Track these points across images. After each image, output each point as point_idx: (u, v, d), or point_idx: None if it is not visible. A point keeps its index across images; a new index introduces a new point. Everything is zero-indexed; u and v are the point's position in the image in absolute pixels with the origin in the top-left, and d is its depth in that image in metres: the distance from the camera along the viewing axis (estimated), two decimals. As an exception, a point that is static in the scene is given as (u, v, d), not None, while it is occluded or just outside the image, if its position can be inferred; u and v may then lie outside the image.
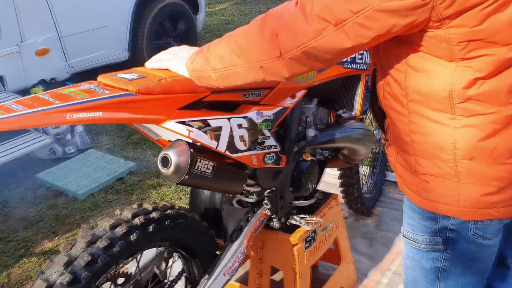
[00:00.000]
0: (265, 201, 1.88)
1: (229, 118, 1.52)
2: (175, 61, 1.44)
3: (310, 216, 2.00)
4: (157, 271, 1.84)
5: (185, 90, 1.40)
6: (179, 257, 1.76)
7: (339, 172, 2.76)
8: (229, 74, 1.31)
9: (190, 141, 1.40)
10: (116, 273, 1.68)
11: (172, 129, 1.33)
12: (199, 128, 1.38)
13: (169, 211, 1.53)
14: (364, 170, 3.11)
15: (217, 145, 1.43)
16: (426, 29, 1.07)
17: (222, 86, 1.39)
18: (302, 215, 2.01)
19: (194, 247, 1.69)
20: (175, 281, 1.88)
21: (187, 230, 1.60)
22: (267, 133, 1.71)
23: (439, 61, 1.10)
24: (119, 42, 4.98)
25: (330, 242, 2.28)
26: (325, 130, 2.08)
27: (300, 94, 1.89)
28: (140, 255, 1.70)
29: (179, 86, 1.39)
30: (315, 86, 1.94)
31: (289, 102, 1.84)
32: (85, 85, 1.30)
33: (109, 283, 1.68)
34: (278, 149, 1.79)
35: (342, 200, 2.90)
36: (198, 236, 1.66)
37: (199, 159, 1.39)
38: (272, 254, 2.10)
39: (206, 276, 1.67)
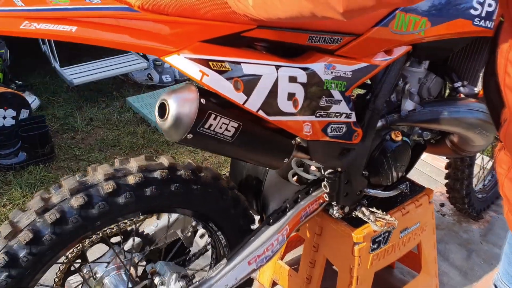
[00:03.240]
0: (324, 182, 1.45)
1: (278, 66, 1.09)
2: (213, -26, 1.04)
3: (384, 213, 1.53)
4: (181, 236, 1.54)
5: (218, 16, 1.00)
6: (203, 227, 1.43)
7: (447, 160, 2.19)
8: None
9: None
10: (127, 229, 1.41)
11: (178, 67, 0.95)
12: (222, 72, 0.98)
13: (181, 172, 1.18)
14: (484, 161, 2.47)
15: (246, 101, 1.02)
16: None
17: (263, 17, 0.97)
18: (373, 209, 1.54)
19: (218, 221, 1.34)
20: (201, 252, 1.57)
21: (204, 199, 1.24)
22: (337, 95, 1.26)
23: None
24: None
25: (410, 247, 1.79)
26: (428, 105, 1.55)
27: (400, 50, 1.38)
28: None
29: (209, 10, 0.99)
30: (427, 44, 1.41)
31: (381, 59, 1.34)
32: (77, -10, 0.96)
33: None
34: (351, 119, 1.33)
35: (446, 195, 2.34)
36: (223, 209, 1.30)
37: (213, 115, 1.00)
38: (329, 246, 1.69)
39: (224, 261, 1.32)
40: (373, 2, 0.71)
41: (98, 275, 1.31)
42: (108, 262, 1.33)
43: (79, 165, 2.82)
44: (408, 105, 1.53)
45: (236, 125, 1.04)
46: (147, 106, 3.37)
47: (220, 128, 1.02)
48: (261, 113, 1.06)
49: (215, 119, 1.00)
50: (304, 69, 1.16)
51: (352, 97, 1.46)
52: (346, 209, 1.54)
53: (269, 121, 1.09)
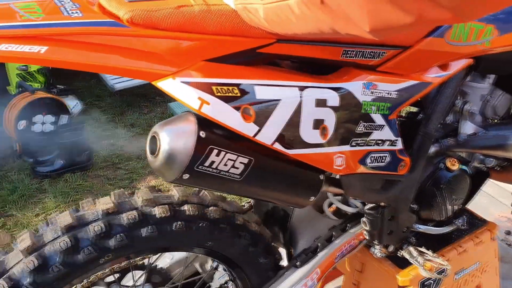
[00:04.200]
0: (364, 219, 1.24)
1: (302, 87, 0.90)
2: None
3: (435, 254, 1.29)
4: (200, 270, 1.38)
5: (227, 29, 0.83)
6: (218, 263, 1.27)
7: (515, 184, 1.90)
8: (279, 10, 0.69)
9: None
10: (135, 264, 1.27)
11: (172, 94, 0.78)
12: (227, 98, 0.80)
13: (187, 208, 1.02)
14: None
15: (257, 132, 0.84)
16: None
17: (278, 32, 0.78)
18: (423, 249, 1.31)
19: (234, 259, 1.16)
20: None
21: (214, 236, 1.07)
22: (379, 119, 1.05)
23: None
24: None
25: (466, 289, 1.54)
26: (493, 128, 1.30)
27: (458, 64, 1.15)
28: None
29: (216, 22, 0.82)
30: (494, 56, 1.17)
31: (434, 75, 1.12)
32: (60, 1, 0.81)
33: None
34: (397, 146, 1.11)
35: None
36: (238, 246, 1.12)
37: (216, 151, 0.82)
38: (371, 286, 1.47)
39: (243, 309, 1.14)
40: (411, 19, 0.51)
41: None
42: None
43: (116, 174, 2.75)
44: (468, 128, 1.28)
45: (245, 161, 0.86)
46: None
47: (225, 165, 0.84)
48: (277, 146, 0.87)
49: (218, 155, 0.82)
50: (336, 89, 0.96)
51: (400, 118, 1.25)
52: (390, 248, 1.32)
53: (288, 155, 0.90)
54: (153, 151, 0.82)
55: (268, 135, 0.85)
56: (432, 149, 1.27)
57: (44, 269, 0.92)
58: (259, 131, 0.84)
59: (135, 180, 2.69)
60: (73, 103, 3.20)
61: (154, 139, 0.82)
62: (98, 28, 0.75)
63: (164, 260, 1.35)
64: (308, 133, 0.91)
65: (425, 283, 1.37)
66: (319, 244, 1.22)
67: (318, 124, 0.93)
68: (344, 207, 1.33)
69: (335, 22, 0.60)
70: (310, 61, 0.94)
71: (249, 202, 1.40)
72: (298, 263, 1.19)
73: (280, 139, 0.87)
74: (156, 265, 1.31)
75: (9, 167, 2.74)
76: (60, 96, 3.04)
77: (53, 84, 3.28)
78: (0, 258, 0.95)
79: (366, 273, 1.47)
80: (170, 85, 0.78)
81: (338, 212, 1.41)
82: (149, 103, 3.49)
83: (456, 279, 1.45)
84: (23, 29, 0.71)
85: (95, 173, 2.75)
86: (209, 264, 1.36)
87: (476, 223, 1.51)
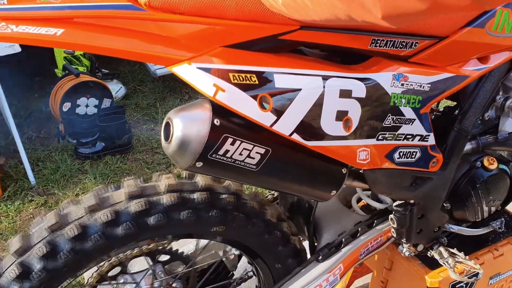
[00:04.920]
0: (391, 216, 1.19)
1: (326, 77, 0.87)
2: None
3: (467, 256, 1.23)
4: (223, 258, 1.38)
5: (247, 15, 0.80)
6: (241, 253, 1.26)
7: None
8: None
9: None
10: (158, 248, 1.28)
11: (187, 79, 0.76)
12: (245, 86, 0.78)
13: (197, 195, 1.02)
14: None
15: (275, 122, 0.81)
16: None
17: (297, 18, 0.75)
18: (454, 251, 1.25)
19: (256, 249, 1.15)
20: (245, 277, 1.40)
21: (230, 226, 1.06)
22: (409, 113, 1.00)
23: None
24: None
25: (502, 295, 1.46)
26: (537, 126, 1.22)
27: (500, 57, 1.09)
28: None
29: (236, 7, 0.79)
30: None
31: (472, 68, 1.06)
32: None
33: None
34: (428, 142, 1.06)
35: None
36: (257, 237, 1.11)
37: (231, 139, 0.80)
38: (399, 285, 1.42)
39: (261, 300, 1.13)
40: (425, 6, 0.47)
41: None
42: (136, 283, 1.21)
43: (154, 158, 2.79)
44: (509, 125, 1.21)
45: (262, 151, 0.84)
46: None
47: (240, 154, 0.82)
48: (296, 137, 0.84)
49: (233, 143, 0.80)
50: (363, 80, 0.92)
51: (436, 112, 1.19)
52: (420, 247, 1.27)
53: (307, 146, 0.87)
54: (167, 137, 0.81)
55: (286, 126, 0.82)
56: (468, 146, 1.21)
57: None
58: (276, 120, 0.81)
59: (172, 165, 2.72)
60: (117, 87, 3.27)
61: (168, 125, 0.81)
62: (115, 11, 0.74)
63: (188, 246, 1.35)
64: (330, 124, 0.88)
65: (457, 286, 1.31)
66: (343, 239, 1.19)
67: (342, 115, 0.89)
68: (373, 203, 1.29)
69: (350, 8, 0.57)
70: (337, 49, 0.90)
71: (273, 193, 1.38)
72: (320, 258, 1.16)
73: (299, 130, 0.84)
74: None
75: (54, 147, 2.84)
76: (104, 80, 3.12)
77: (98, 68, 3.36)
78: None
79: (395, 271, 1.42)
80: (185, 71, 0.76)
81: (367, 208, 1.37)
82: (190, 90, 3.52)
83: (491, 283, 1.38)
84: (40, 11, 0.71)
85: (134, 156, 2.80)
86: (232, 251, 1.36)
87: (515, 226, 1.43)
